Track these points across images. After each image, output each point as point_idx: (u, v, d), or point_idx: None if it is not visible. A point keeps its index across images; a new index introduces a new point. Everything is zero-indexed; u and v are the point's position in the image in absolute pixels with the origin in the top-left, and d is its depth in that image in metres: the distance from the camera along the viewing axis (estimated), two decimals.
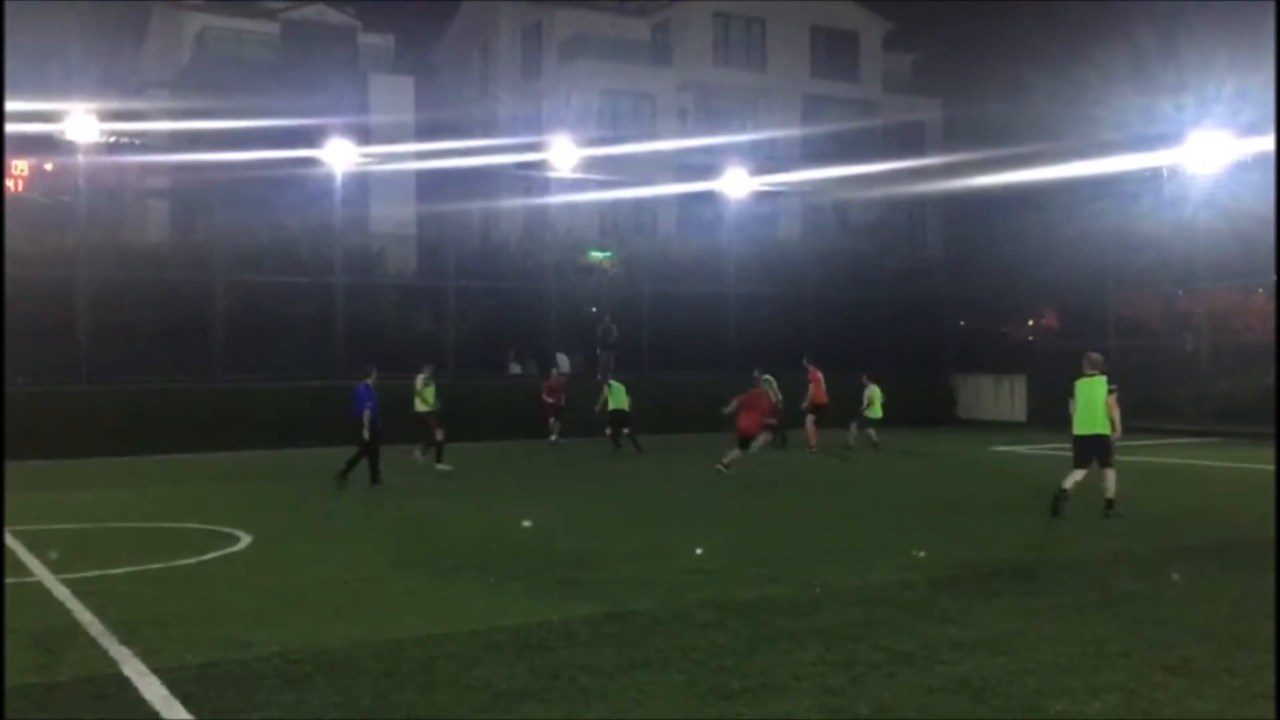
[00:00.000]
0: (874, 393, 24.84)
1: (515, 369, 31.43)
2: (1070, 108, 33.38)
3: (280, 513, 15.13)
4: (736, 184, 33.13)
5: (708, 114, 44.80)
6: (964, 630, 7.90)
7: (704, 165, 36.00)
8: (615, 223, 39.70)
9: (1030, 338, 36.18)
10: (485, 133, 37.50)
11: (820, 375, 25.12)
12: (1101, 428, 13.63)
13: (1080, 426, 13.80)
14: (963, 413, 34.94)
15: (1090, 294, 31.81)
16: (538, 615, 8.46)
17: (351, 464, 17.48)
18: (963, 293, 35.15)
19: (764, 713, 6.18)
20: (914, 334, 34.07)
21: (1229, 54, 30.07)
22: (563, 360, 29.98)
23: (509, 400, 28.36)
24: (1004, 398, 34.12)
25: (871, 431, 24.55)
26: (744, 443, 18.94)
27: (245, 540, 12.38)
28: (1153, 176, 30.04)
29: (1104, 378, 13.78)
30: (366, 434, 17.30)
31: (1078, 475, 13.93)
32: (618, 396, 24.19)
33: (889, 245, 37.54)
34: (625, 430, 23.96)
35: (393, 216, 35.69)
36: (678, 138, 40.81)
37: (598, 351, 29.96)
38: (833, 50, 47.73)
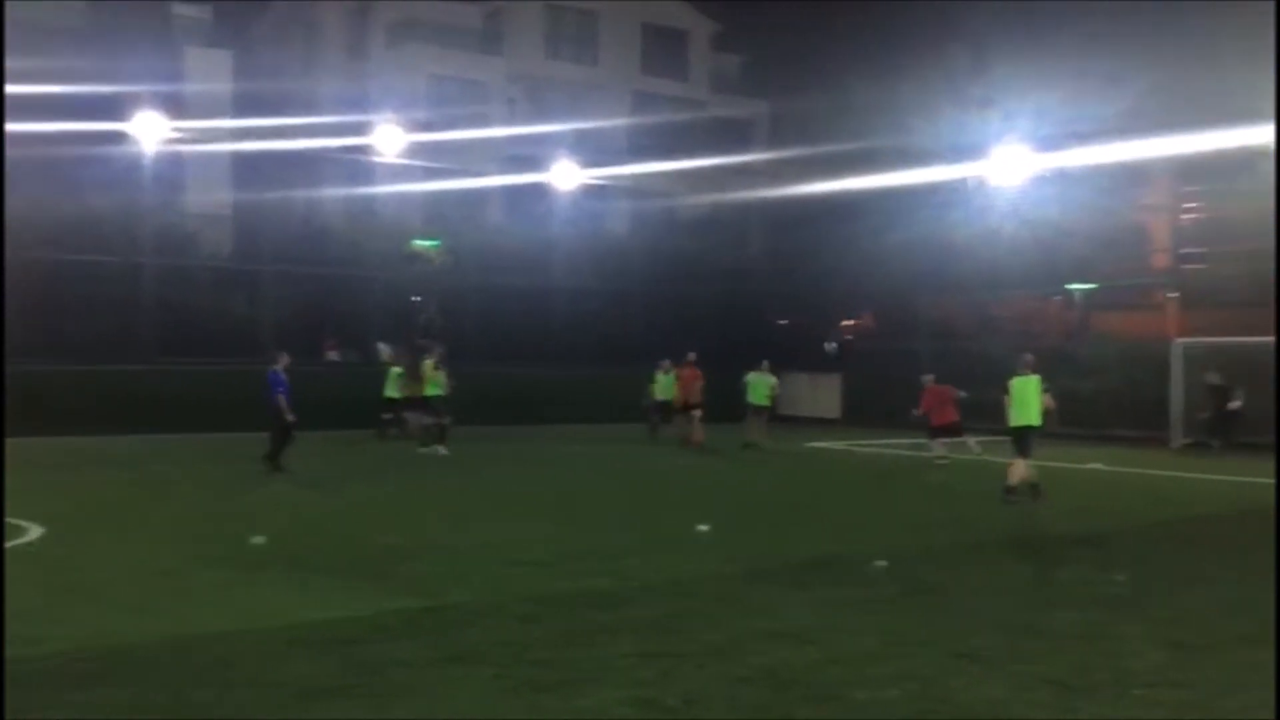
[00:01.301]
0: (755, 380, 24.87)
1: (333, 357, 30.65)
2: (888, 117, 34.56)
3: (76, 503, 14.36)
4: (566, 177, 33.11)
5: (538, 105, 44.60)
6: (774, 622, 8.09)
7: (533, 157, 35.85)
8: (442, 211, 39.15)
9: (847, 338, 37.29)
10: (308, 113, 36.34)
11: (699, 373, 25.08)
12: (1034, 419, 15.37)
13: (1016, 419, 15.49)
14: (781, 409, 35.70)
15: (904, 298, 33.04)
16: (348, 609, 8.27)
17: (278, 449, 17.66)
18: (784, 292, 35.97)
19: (574, 705, 6.18)
20: (737, 331, 34.70)
21: (1032, 71, 31.64)
22: (384, 349, 29.40)
23: (328, 389, 27.59)
24: (820, 395, 34.98)
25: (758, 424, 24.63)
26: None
27: (36, 532, 11.69)
28: (962, 187, 31.47)
29: (1038, 377, 15.53)
30: (290, 417, 17.53)
31: (1021, 464, 15.44)
32: (410, 383, 24.51)
33: (715, 244, 38.12)
34: (389, 416, 24.62)
35: (208, 196, 34.31)
36: (508, 127, 40.51)
37: (420, 341, 29.50)
38: (663, 48, 48.22)
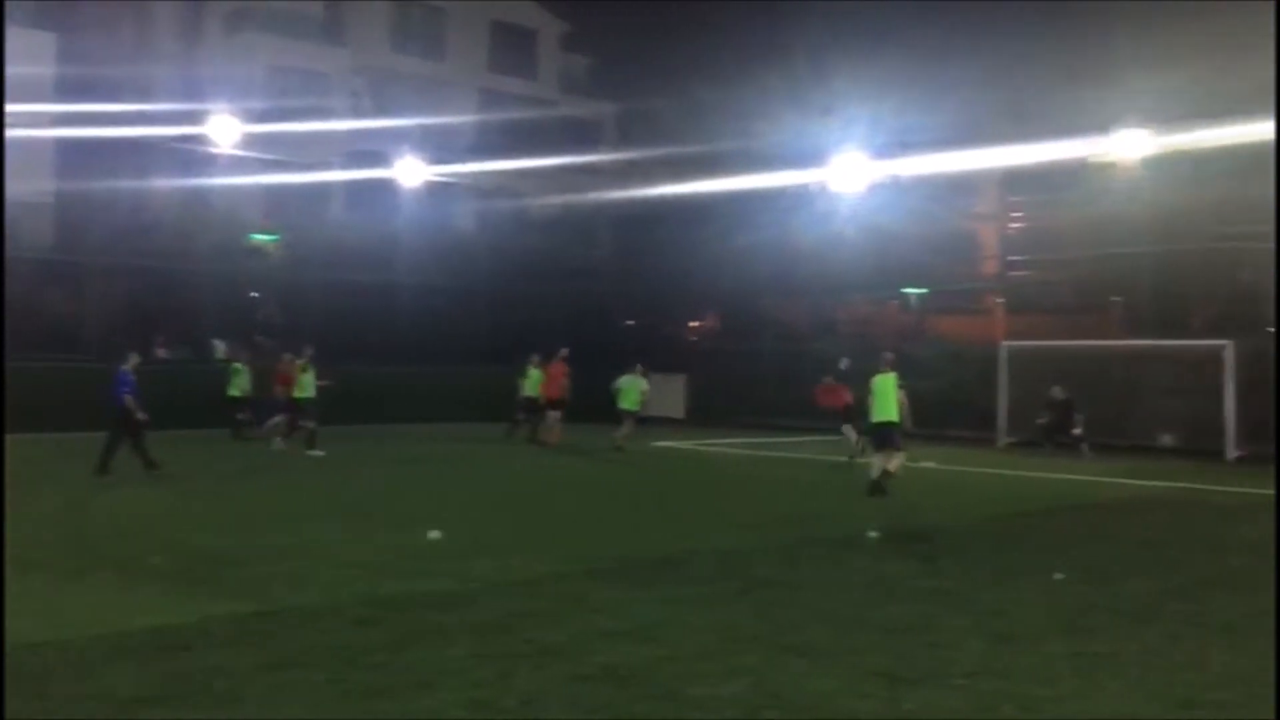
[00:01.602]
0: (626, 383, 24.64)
1: (163, 354, 29.48)
2: (733, 121, 35.16)
3: None
4: (411, 172, 32.61)
5: (383, 99, 43.81)
6: (614, 620, 8.13)
7: (378, 152, 35.23)
8: (282, 205, 38.10)
9: (693, 339, 37.76)
10: (139, 100, 34.90)
11: (566, 369, 24.79)
12: (893, 415, 16.02)
13: (876, 415, 16.17)
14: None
15: (748, 299, 33.59)
16: (174, 616, 7.97)
17: (111, 452, 16.91)
18: (632, 293, 36.18)
19: (409, 709, 6.09)
20: (585, 331, 34.73)
21: (868, 81, 32.62)
22: (219, 347, 28.46)
23: (160, 388, 26.52)
24: (665, 395, 35.16)
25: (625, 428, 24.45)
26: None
27: None
28: (805, 192, 32.21)
29: (895, 374, 16.19)
30: (142, 416, 17.01)
31: (879, 458, 16.20)
32: (240, 382, 24.08)
33: (563, 243, 38.09)
34: (241, 415, 24.15)
35: (29, 184, 32.58)
36: (351, 120, 39.68)
37: (258, 339, 28.68)
38: (511, 46, 47.98)
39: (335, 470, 19.07)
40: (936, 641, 7.68)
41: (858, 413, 21.49)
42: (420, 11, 45.59)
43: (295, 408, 21.94)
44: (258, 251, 32.00)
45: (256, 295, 30.01)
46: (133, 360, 17.40)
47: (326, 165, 36.09)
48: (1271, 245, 23.22)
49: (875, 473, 16.13)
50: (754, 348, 32.95)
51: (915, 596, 9.21)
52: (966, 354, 29.80)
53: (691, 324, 38.01)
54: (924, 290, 32.62)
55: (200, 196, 33.40)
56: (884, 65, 32.47)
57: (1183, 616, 8.65)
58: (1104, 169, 27.87)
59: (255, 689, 6.37)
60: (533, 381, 25.21)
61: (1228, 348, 24.50)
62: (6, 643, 7.05)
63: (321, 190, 38.90)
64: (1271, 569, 10.79)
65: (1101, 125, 26.48)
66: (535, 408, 25.06)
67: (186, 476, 17.31)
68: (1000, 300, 31.00)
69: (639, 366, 25.06)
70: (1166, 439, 25.59)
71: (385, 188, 33.51)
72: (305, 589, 9.06)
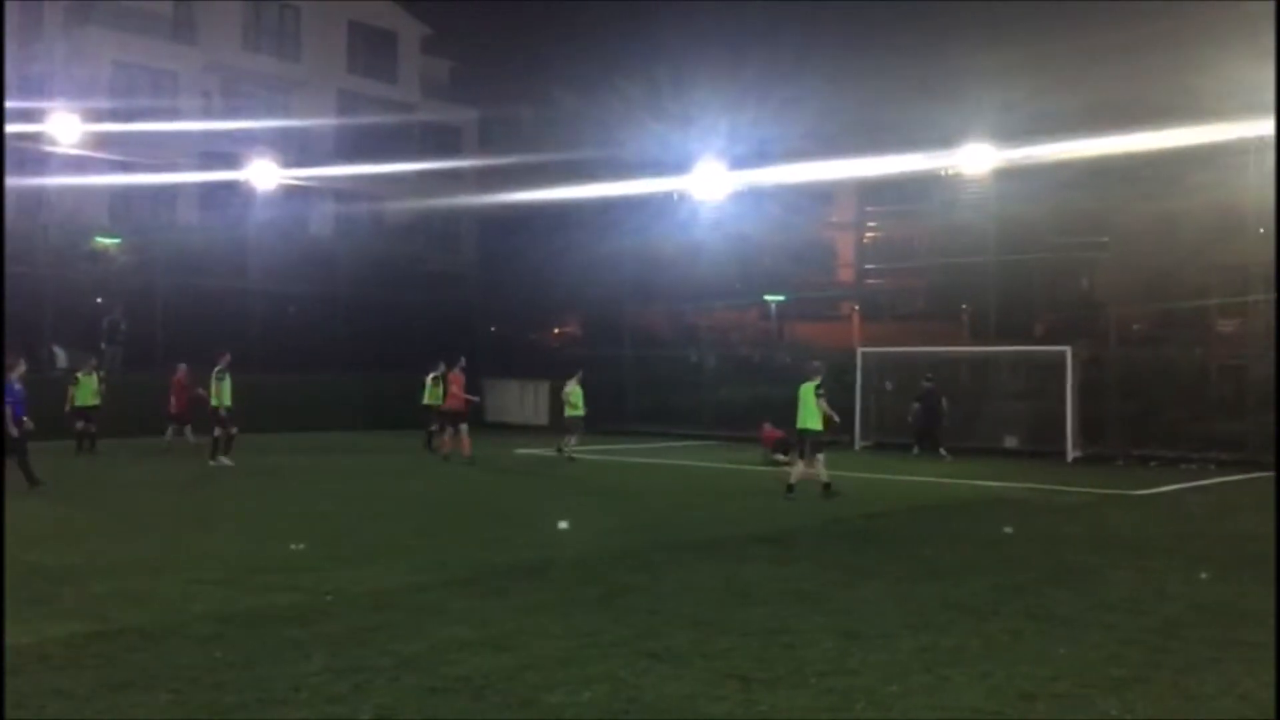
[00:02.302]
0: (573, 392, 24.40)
1: None
2: (596, 130, 35.29)
3: None
4: (264, 175, 31.80)
5: (236, 99, 42.59)
6: (472, 630, 8.05)
7: (231, 153, 34.23)
8: (129, 207, 36.73)
9: (556, 345, 37.72)
10: None
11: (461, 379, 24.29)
12: (814, 423, 16.52)
13: (799, 422, 16.67)
14: (490, 416, 35.64)
15: (610, 306, 33.68)
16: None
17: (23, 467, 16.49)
18: (495, 299, 35.95)
19: None
20: (447, 338, 34.30)
21: (730, 91, 33.16)
22: (60, 355, 27.22)
23: None
24: (528, 402, 35.15)
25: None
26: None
27: None
28: (667, 201, 32.51)
29: (814, 382, 16.60)
30: (29, 426, 16.67)
31: (800, 465, 16.76)
32: (85, 392, 22.95)
33: (424, 249, 37.67)
34: (81, 425, 23.00)
35: None
36: (202, 121, 38.47)
37: (103, 346, 27.50)
38: (371, 48, 47.16)
39: (188, 481, 18.43)
40: (792, 642, 7.82)
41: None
42: (274, 10, 44.44)
43: (215, 416, 21.27)
44: (101, 255, 30.70)
45: (100, 301, 28.77)
46: (18, 370, 16.81)
47: (176, 167, 34.88)
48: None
49: (794, 479, 16.71)
50: (616, 354, 33.06)
51: (772, 598, 9.37)
52: (826, 360, 30.40)
53: (555, 330, 37.95)
54: (783, 297, 33.23)
55: (39, 197, 31.93)
56: (742, 76, 33.06)
57: (1024, 611, 8.99)
58: (952, 181, 28.91)
59: (92, 711, 6.11)
60: (433, 392, 24.59)
61: (1067, 353, 25.51)
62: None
63: (170, 192, 37.64)
64: (1104, 565, 11.32)
65: (949, 139, 27.43)
66: (440, 417, 24.23)
67: (22, 492, 16.49)
68: (856, 307, 31.79)
69: (579, 373, 24.85)
70: (1011, 441, 26.59)
71: (237, 190, 32.56)
72: (146, 607, 8.73)
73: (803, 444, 16.86)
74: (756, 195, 31.09)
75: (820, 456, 16.90)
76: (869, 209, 31.99)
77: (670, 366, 32.78)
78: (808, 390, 16.64)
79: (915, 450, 25.75)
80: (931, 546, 12.47)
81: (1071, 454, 24.79)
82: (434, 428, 24.71)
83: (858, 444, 27.82)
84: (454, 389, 23.45)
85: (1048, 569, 11.10)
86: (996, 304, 29.24)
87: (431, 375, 24.64)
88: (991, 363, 28.85)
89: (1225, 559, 11.71)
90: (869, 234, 32.25)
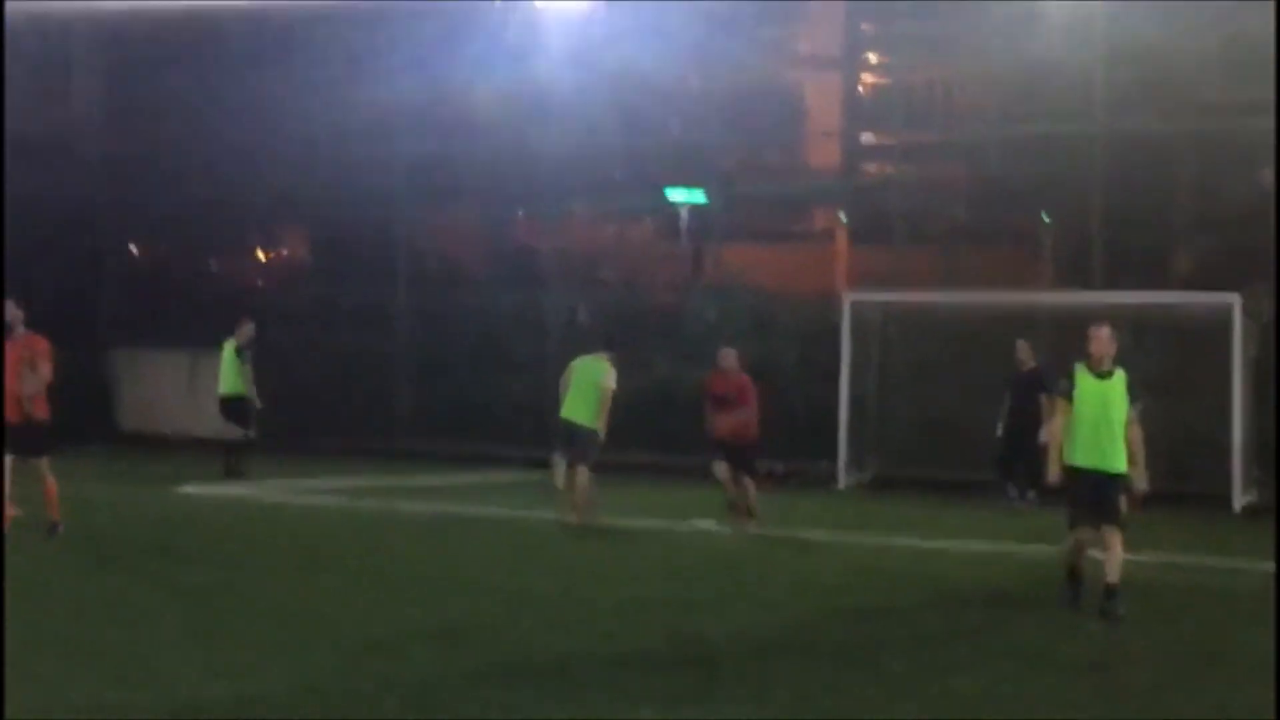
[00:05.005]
0: None
1: None
2: None
3: None
4: None
5: None
6: None
7: None
8: None
9: (260, 283, 24.06)
10: None
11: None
12: (585, 415, 13.54)
13: (566, 410, 13.69)
14: (126, 421, 24.04)
15: (370, 212, 21.65)
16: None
17: None
18: (135, 194, 22.57)
19: None
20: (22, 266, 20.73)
21: None
22: None
23: None
24: (202, 392, 23.76)
25: None
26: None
27: None
28: (479, 10, 18.85)
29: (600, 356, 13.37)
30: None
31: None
32: None
33: None
34: None
35: None
36: None
37: None
38: None
39: None
40: None
41: None
42: None
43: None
44: None
45: None
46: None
47: None
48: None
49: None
50: (382, 301, 19.38)
51: None
52: (783, 312, 18.13)
53: (260, 255, 23.57)
54: (703, 197, 19.40)
55: None
56: None
57: None
58: None
59: None
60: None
61: (1235, 305, 16.72)
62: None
63: None
64: None
65: None
66: None
67: None
68: (842, 216, 18.74)
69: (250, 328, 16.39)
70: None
71: None
72: None
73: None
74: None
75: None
76: (865, 28, 19.11)
77: (486, 325, 18.89)
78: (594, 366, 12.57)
79: (1014, 495, 15.36)
80: (968, 674, 6.74)
81: (1241, 498, 15.62)
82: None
83: (842, 479, 16.66)
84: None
85: None
86: (1103, 215, 17.97)
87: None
88: (1089, 322, 16.33)
89: None
90: (867, 79, 19.02)
